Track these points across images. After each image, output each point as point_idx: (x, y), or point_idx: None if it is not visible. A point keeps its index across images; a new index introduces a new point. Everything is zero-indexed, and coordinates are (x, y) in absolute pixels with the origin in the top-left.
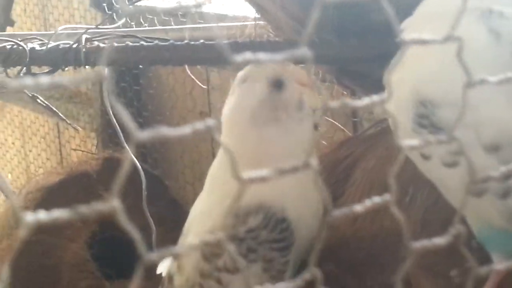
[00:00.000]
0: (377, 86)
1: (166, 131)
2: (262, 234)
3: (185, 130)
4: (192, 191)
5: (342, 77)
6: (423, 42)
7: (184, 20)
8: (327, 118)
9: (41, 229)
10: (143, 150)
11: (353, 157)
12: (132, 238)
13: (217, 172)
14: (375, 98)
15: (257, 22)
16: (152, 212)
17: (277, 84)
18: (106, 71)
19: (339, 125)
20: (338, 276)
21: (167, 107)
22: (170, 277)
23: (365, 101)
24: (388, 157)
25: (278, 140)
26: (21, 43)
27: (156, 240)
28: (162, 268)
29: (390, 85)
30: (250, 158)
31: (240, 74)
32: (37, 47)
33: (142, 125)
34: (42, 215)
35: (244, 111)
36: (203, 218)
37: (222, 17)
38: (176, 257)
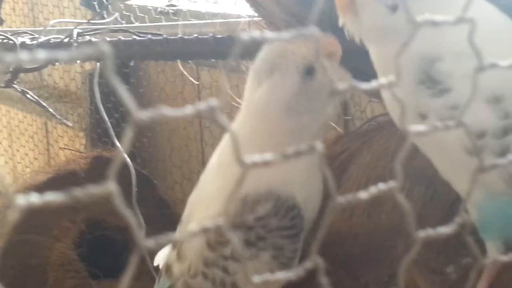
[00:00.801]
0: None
1: (167, 111)
2: (272, 222)
3: (187, 110)
4: (181, 190)
5: None
6: (434, 23)
7: (176, 18)
8: None
9: (27, 228)
10: (131, 149)
11: (348, 152)
12: (119, 238)
13: (223, 157)
14: (383, 81)
15: (251, 18)
16: (141, 212)
17: (309, 72)
18: (106, 46)
19: (331, 123)
20: (333, 272)
21: (157, 106)
22: (168, 266)
23: (373, 84)
24: (384, 152)
25: (312, 127)
26: (12, 37)
27: None
28: (159, 259)
29: (398, 67)
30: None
31: (262, 64)
32: (28, 42)
33: None
34: (34, 198)
35: (280, 104)
36: (207, 204)
37: (214, 16)
38: (175, 245)
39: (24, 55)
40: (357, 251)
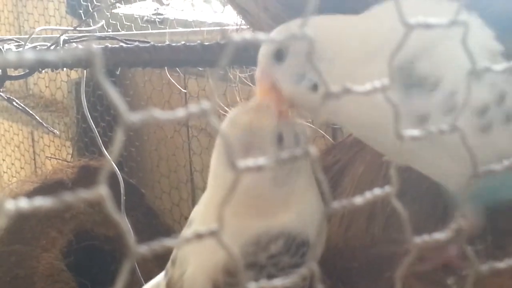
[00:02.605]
0: None
1: (158, 114)
2: (283, 260)
3: (179, 113)
4: (169, 200)
5: None
6: (427, 26)
7: (163, 27)
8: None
9: (14, 238)
10: (119, 159)
11: (341, 164)
12: (107, 248)
13: (213, 164)
14: (376, 84)
15: (238, 26)
16: (129, 221)
17: (279, 139)
18: (95, 48)
19: (321, 131)
20: (331, 286)
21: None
22: None
23: (367, 87)
24: (378, 162)
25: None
26: None
27: None
28: None
29: (392, 70)
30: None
31: (233, 140)
32: (14, 49)
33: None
34: (23, 203)
35: (268, 181)
36: (202, 210)
37: (201, 24)
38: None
39: (11, 55)
40: (355, 264)
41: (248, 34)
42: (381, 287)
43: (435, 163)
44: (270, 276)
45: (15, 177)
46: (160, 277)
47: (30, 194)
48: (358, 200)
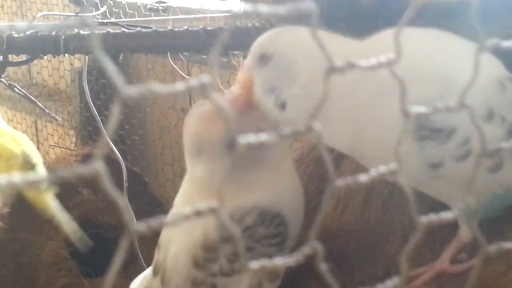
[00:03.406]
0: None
1: (156, 87)
2: (258, 231)
3: (178, 87)
4: (173, 188)
5: None
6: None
7: (165, 15)
8: None
9: (18, 226)
10: (123, 147)
11: None
12: (111, 236)
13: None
14: (382, 59)
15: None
16: (132, 209)
17: (231, 145)
18: (92, 21)
19: None
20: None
21: (147, 104)
22: None
23: (372, 62)
24: None
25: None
26: None
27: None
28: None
29: (398, 45)
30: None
31: (189, 145)
32: (15, 34)
33: (121, 122)
34: (16, 178)
35: (220, 178)
36: (181, 194)
37: (204, 11)
38: (158, 271)
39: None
40: (350, 248)
41: (249, 6)
42: (376, 270)
43: (441, 191)
44: (248, 249)
45: None
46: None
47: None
48: (363, 177)
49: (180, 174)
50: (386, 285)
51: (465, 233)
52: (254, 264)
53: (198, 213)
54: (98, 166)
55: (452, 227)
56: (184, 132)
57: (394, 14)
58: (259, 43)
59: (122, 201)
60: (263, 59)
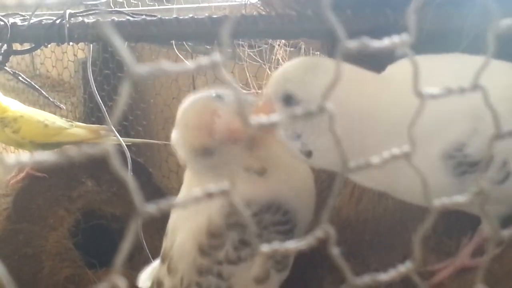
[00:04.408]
0: (372, 61)
1: (167, 65)
2: (266, 218)
3: (189, 66)
4: (176, 179)
5: (336, 54)
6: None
7: (169, 5)
8: None
9: (22, 217)
10: (127, 138)
11: None
12: (115, 227)
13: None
14: (395, 39)
15: (247, 1)
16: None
17: (206, 153)
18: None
19: None
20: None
21: (152, 94)
22: (159, 282)
23: (385, 41)
24: None
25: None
26: (3, 18)
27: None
28: (143, 279)
29: (412, 22)
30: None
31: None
32: (19, 22)
33: (125, 113)
34: (24, 157)
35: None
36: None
37: (208, 1)
38: (165, 259)
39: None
40: (366, 237)
41: None
42: (392, 260)
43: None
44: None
45: None
46: None
47: (38, 172)
48: (376, 160)
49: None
50: (399, 269)
51: (487, 227)
52: (265, 248)
53: (209, 195)
54: (109, 147)
55: (471, 218)
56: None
57: (401, 1)
58: (284, 81)
59: (131, 182)
60: (288, 100)
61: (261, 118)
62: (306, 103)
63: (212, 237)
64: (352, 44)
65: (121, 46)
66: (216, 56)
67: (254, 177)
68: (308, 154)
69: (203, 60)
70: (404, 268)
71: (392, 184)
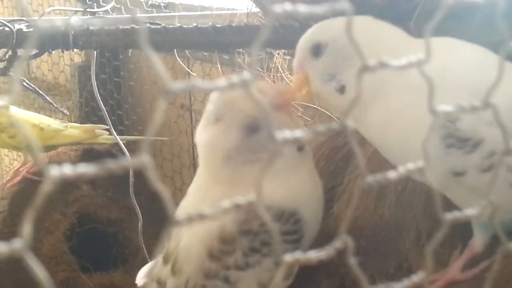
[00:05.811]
0: None
1: (199, 83)
2: (275, 227)
3: (221, 83)
4: (172, 184)
5: None
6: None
7: (168, 11)
8: (315, 107)
9: (17, 220)
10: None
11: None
12: (110, 231)
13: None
14: (412, 59)
15: (248, 10)
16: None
17: (252, 129)
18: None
19: (326, 112)
20: (338, 265)
21: (148, 100)
22: (161, 282)
23: (402, 61)
24: None
25: (250, 177)
26: (8, 24)
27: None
28: (141, 277)
29: (428, 44)
30: (223, 194)
31: (212, 107)
32: (24, 29)
33: (121, 118)
34: (67, 170)
35: (219, 153)
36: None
37: (207, 9)
38: (168, 260)
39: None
40: (362, 243)
41: (288, 6)
42: (387, 266)
43: (463, 198)
44: (264, 243)
45: (16, 160)
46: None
47: (34, 176)
48: (392, 174)
49: (179, 170)
50: (411, 279)
51: (478, 242)
52: (288, 257)
53: (237, 206)
54: (145, 160)
55: (463, 230)
56: (215, 95)
57: (402, 12)
58: (309, 36)
59: (166, 194)
60: (316, 50)
61: None
62: (333, 42)
63: (224, 243)
64: (372, 63)
65: (157, 61)
66: (247, 75)
67: (269, 182)
68: (342, 89)
69: (234, 78)
70: (416, 278)
71: (384, 140)
